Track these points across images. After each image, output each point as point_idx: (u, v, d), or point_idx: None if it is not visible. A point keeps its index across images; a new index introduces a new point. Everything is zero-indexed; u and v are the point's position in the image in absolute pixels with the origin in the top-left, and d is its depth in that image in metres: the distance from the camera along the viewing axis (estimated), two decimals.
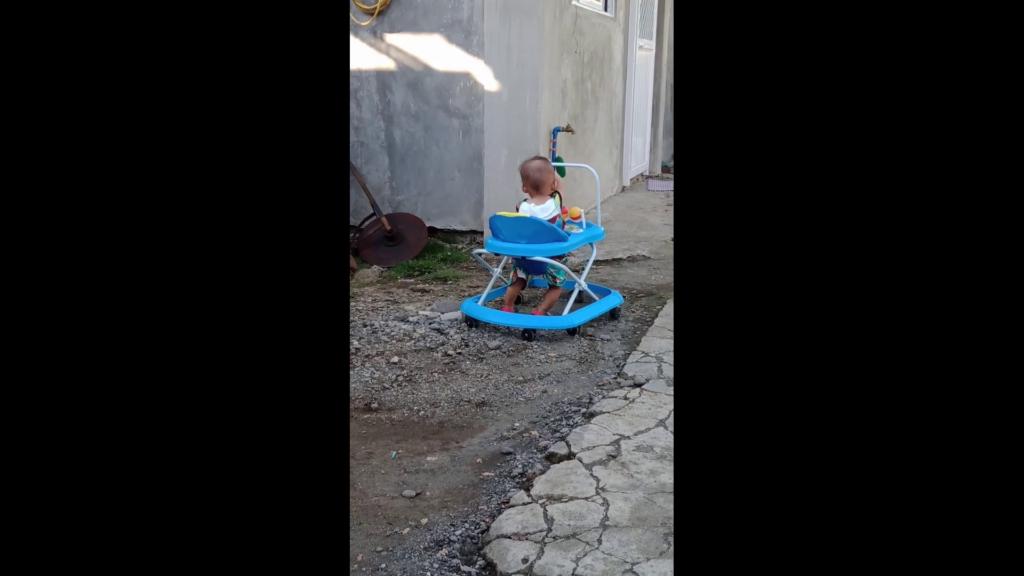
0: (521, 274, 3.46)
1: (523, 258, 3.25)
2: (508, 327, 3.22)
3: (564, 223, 3.32)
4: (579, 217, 3.34)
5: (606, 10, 5.62)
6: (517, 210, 3.37)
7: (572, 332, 3.17)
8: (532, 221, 3.16)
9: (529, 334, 3.15)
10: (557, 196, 3.35)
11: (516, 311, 3.36)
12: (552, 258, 3.20)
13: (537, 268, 3.37)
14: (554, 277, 3.39)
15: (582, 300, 3.35)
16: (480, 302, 3.34)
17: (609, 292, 3.44)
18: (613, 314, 3.37)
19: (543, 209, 3.29)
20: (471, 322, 3.27)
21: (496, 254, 3.34)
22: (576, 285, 3.29)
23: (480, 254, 3.49)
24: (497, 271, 3.43)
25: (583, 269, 3.36)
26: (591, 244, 3.42)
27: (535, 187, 3.32)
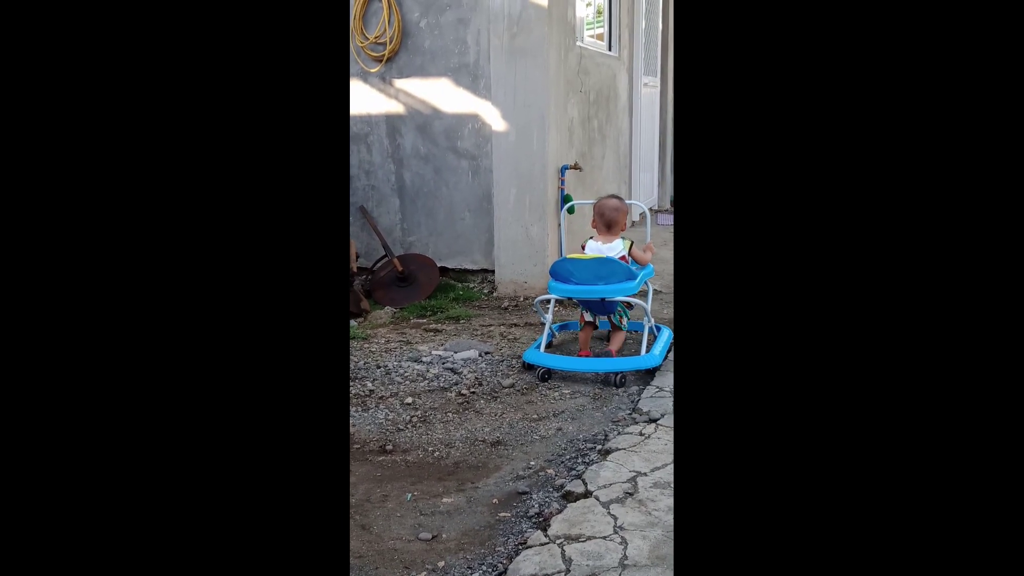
0: (589, 317, 3.37)
1: (599, 300, 3.16)
2: (590, 373, 3.10)
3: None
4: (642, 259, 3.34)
5: (610, 50, 5.70)
6: (583, 249, 3.32)
7: (651, 372, 3.09)
8: (609, 261, 3.10)
9: (622, 378, 3.02)
10: (627, 240, 3.30)
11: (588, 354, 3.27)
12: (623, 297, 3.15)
13: (607, 309, 3.29)
14: (621, 318, 3.33)
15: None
16: (541, 349, 3.23)
17: (662, 328, 3.42)
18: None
19: (611, 248, 3.24)
20: (547, 374, 3.13)
21: (569, 299, 3.25)
22: (644, 324, 3.25)
23: (542, 302, 3.35)
24: (549, 317, 3.30)
25: (645, 308, 3.24)
26: (646, 282, 3.40)
27: (607, 225, 3.29)
